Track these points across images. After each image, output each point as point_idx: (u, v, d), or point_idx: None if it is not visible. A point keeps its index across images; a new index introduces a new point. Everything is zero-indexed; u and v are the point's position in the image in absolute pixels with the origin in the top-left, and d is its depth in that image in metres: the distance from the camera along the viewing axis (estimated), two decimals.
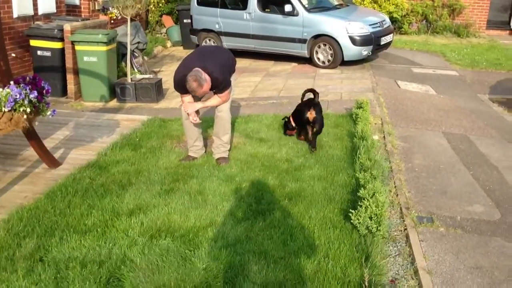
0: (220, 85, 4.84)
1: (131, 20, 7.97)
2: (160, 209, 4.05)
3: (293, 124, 5.87)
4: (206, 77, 4.65)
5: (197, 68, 4.66)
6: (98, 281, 3.14)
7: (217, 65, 4.81)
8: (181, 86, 4.79)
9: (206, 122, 5.99)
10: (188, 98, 4.94)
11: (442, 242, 3.83)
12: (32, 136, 4.76)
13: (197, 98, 4.97)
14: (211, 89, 4.83)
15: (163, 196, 4.32)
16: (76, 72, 7.87)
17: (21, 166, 5.02)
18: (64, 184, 4.52)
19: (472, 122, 6.94)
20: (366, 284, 3.10)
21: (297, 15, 10.10)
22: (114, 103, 7.96)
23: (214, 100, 5.02)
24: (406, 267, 3.49)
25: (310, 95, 5.77)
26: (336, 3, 11.26)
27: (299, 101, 5.99)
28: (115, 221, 3.88)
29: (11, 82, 4.22)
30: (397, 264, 3.54)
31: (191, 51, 5.43)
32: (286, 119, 6.00)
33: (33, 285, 3.12)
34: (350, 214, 3.76)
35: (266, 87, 8.77)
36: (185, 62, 4.94)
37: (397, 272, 3.45)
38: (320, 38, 10.02)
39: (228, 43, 10.95)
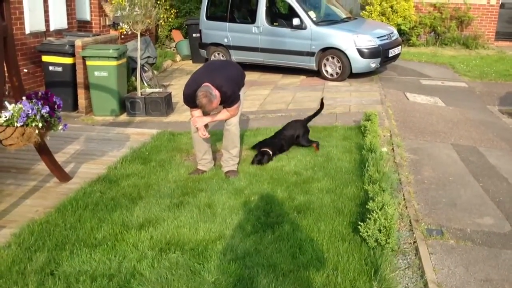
0: (228, 99, 4.87)
1: (141, 35, 8.08)
2: (169, 223, 4.07)
3: (271, 154, 5.64)
4: (216, 92, 4.68)
5: (207, 84, 4.69)
6: None
7: (226, 80, 4.85)
8: (191, 101, 4.82)
9: (215, 136, 6.03)
10: (197, 112, 4.98)
11: (452, 254, 3.81)
12: (43, 150, 4.81)
13: (206, 112, 5.01)
14: (220, 104, 4.86)
15: (172, 210, 4.35)
16: (87, 87, 7.98)
17: (33, 180, 5.08)
18: (74, 198, 4.56)
19: (482, 133, 6.91)
20: None
21: (305, 28, 10.17)
22: (124, 117, 8.04)
23: (223, 114, 5.05)
24: (415, 280, 3.47)
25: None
26: (344, 16, 11.32)
27: (308, 114, 6.12)
28: (124, 234, 3.90)
29: (24, 98, 4.28)
30: (406, 277, 3.53)
31: (200, 65, 5.49)
32: (259, 150, 5.68)
33: None
34: (359, 227, 3.75)
35: (274, 100, 8.81)
36: (194, 77, 4.99)
37: (406, 285, 3.43)
38: (328, 51, 10.07)
39: (236, 56, 11.03)
